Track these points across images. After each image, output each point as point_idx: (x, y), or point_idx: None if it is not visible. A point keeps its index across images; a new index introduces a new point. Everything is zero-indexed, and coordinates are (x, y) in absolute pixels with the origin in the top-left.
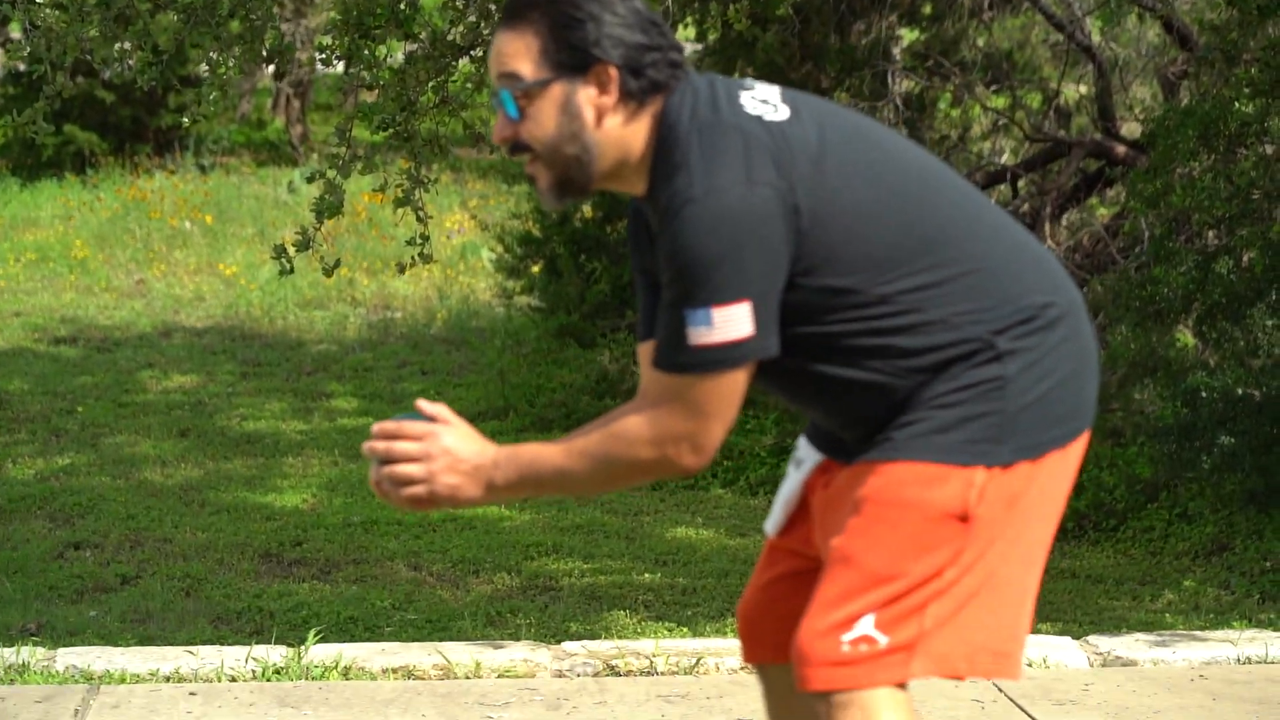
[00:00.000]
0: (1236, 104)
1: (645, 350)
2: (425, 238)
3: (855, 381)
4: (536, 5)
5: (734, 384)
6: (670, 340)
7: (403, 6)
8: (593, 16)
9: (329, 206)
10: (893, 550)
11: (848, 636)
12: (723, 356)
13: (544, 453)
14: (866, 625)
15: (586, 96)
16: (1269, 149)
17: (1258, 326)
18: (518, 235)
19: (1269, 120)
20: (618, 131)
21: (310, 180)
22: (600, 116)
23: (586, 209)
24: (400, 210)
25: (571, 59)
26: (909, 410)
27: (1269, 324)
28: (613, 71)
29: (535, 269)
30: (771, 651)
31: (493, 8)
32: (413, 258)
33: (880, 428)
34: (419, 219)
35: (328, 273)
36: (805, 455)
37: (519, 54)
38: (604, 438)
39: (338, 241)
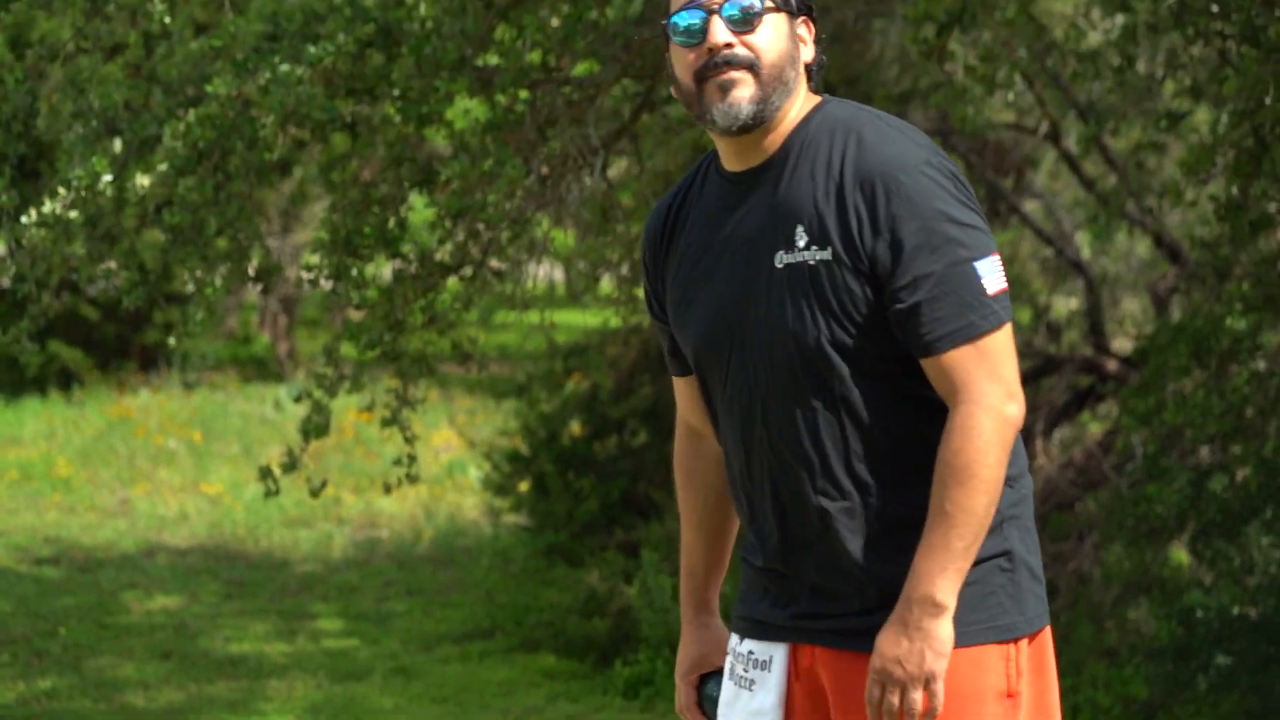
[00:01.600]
0: (1228, 320)
1: (687, 386)
2: (412, 458)
3: (892, 435)
4: None
5: (1011, 337)
6: (968, 301)
7: (391, 226)
8: None
9: (315, 427)
10: None
11: None
12: (1007, 302)
13: (934, 542)
14: None
15: (800, 38)
16: (1262, 365)
17: (1253, 544)
18: (505, 453)
19: (1261, 336)
20: (798, 85)
21: (297, 400)
22: (802, 63)
23: (574, 426)
24: (387, 429)
25: (796, 2)
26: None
27: (1264, 542)
28: (813, 29)
29: (523, 486)
30: None
31: (481, 228)
32: (399, 478)
33: (878, 574)
34: (406, 439)
35: (314, 494)
36: (765, 653)
37: None
38: (961, 459)
39: (324, 459)
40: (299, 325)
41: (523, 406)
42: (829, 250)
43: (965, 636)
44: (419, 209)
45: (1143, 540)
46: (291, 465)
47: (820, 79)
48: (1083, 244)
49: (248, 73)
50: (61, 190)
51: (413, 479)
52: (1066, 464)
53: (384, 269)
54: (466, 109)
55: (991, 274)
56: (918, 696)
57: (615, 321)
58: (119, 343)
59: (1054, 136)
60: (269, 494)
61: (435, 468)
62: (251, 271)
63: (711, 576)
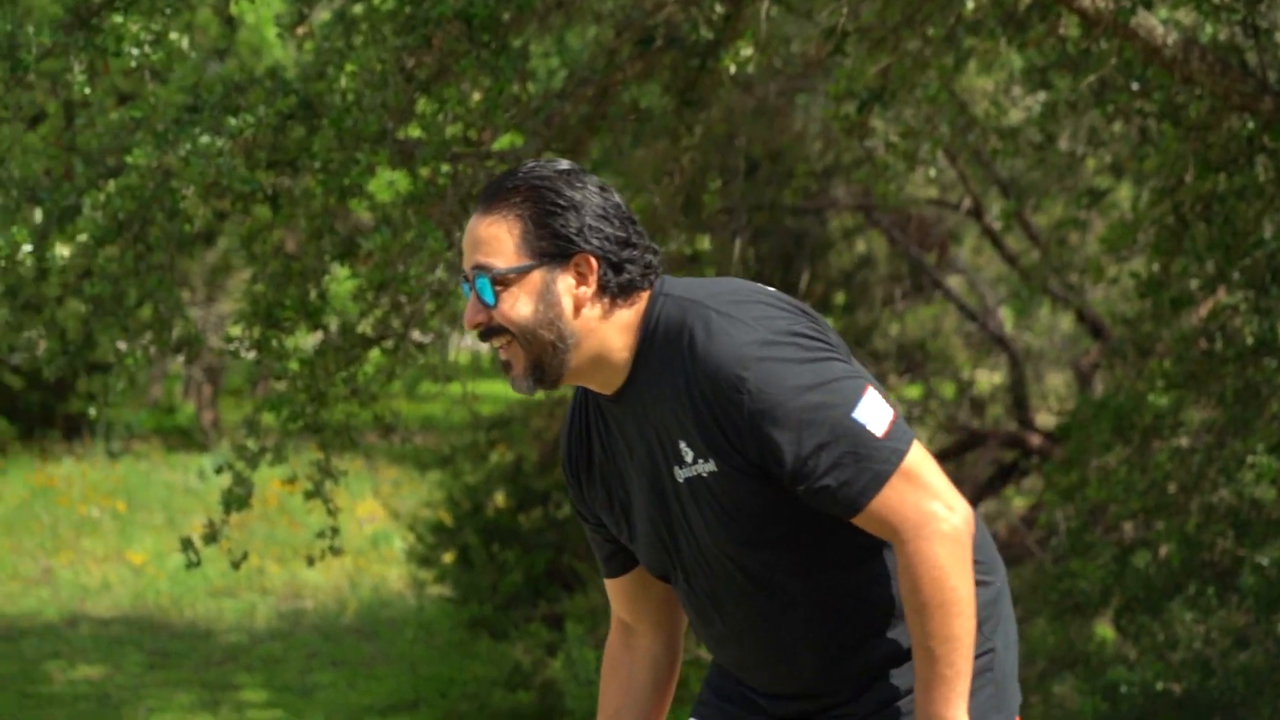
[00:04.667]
0: (1151, 397)
1: (618, 586)
2: (335, 530)
3: (852, 597)
4: (519, 191)
5: (923, 452)
6: (864, 455)
7: (313, 297)
8: (575, 205)
9: (237, 499)
10: None
11: None
12: (903, 430)
13: (929, 678)
14: None
15: (565, 286)
16: (1184, 441)
17: (1177, 620)
18: (429, 524)
19: (1183, 413)
20: (595, 324)
21: (218, 471)
22: (578, 307)
23: (499, 498)
24: (311, 500)
25: (553, 247)
26: (902, 676)
27: (1188, 618)
28: (593, 262)
29: (448, 558)
30: None
31: (403, 300)
32: (322, 550)
33: (849, 683)
34: (329, 511)
35: (235, 565)
36: None
37: (498, 239)
38: (924, 594)
39: (248, 530)
40: (224, 394)
41: (447, 478)
42: (713, 461)
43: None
44: (341, 280)
45: (1067, 615)
46: (213, 536)
47: (661, 267)
48: (1006, 319)
49: (168, 143)
50: None
51: (336, 551)
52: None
53: (306, 340)
54: (390, 180)
55: (873, 414)
56: None
57: (539, 394)
58: (43, 411)
59: (976, 212)
60: (190, 565)
61: (360, 539)
62: (173, 342)
63: None
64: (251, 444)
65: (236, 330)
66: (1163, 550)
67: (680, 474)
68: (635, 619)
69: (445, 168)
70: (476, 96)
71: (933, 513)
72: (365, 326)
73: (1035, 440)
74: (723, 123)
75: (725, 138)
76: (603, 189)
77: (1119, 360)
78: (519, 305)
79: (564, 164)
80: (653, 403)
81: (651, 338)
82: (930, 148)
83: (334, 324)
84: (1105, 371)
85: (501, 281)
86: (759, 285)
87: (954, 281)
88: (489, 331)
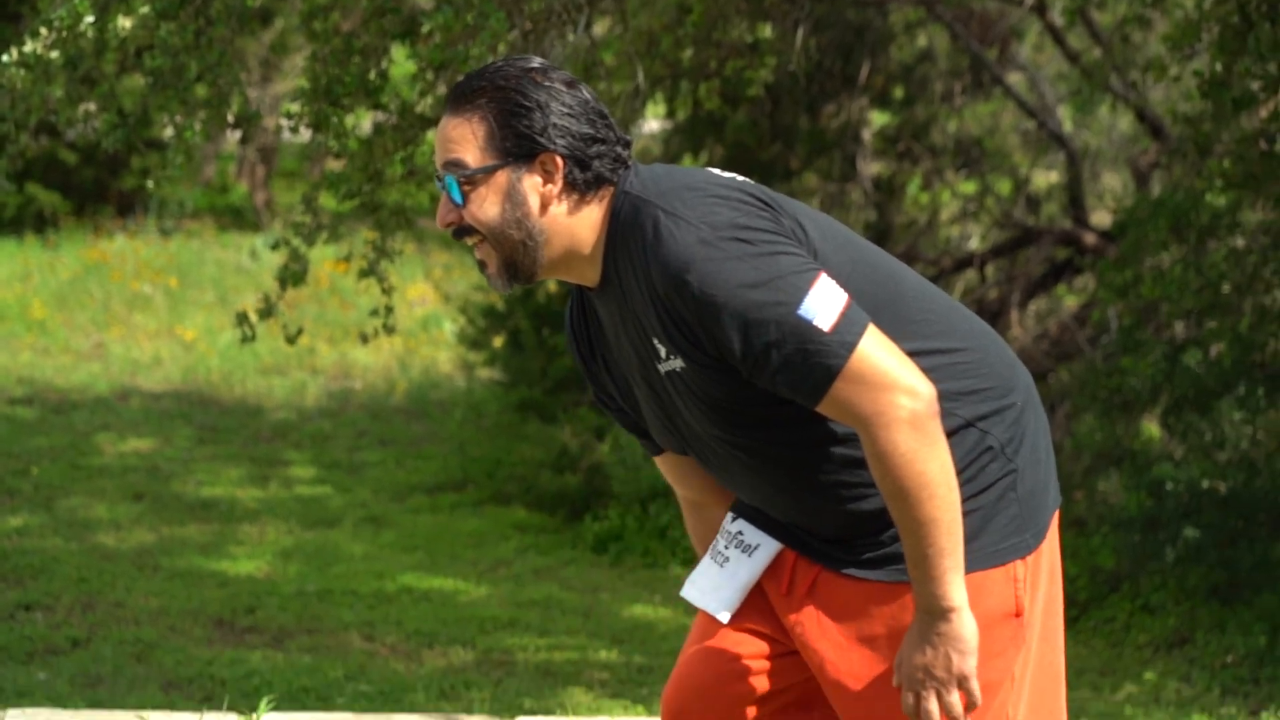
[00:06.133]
0: (1208, 196)
1: (663, 464)
2: (389, 309)
3: (841, 460)
4: (484, 91)
5: (879, 337)
6: (813, 350)
7: (372, 76)
8: (540, 105)
9: (293, 275)
10: None
11: None
12: (855, 318)
13: (915, 556)
14: None
15: (531, 184)
16: (1240, 242)
17: (1225, 419)
18: (481, 308)
19: (1240, 214)
20: (564, 220)
21: (274, 248)
22: (545, 205)
23: (550, 284)
24: (364, 280)
25: (518, 147)
26: None
27: (1236, 417)
28: (559, 160)
29: (498, 342)
30: None
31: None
32: (375, 328)
33: (867, 527)
34: (383, 290)
35: (290, 340)
36: (755, 539)
37: (465, 139)
38: (891, 482)
39: (300, 309)
40: (276, 176)
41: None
42: (680, 359)
43: (971, 563)
44: (400, 61)
45: (1115, 412)
46: (268, 311)
47: (630, 158)
48: (1065, 117)
49: None
50: (43, 30)
51: (389, 330)
52: (1041, 335)
53: (364, 120)
54: None
55: (820, 309)
56: (954, 699)
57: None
58: (96, 187)
59: (1039, 8)
60: (245, 340)
61: (410, 321)
62: (230, 118)
63: None
64: (308, 220)
65: (294, 107)
66: (1214, 350)
67: (661, 368)
68: (694, 492)
69: None
70: None
71: (890, 401)
72: (424, 107)
73: (1090, 238)
74: None
75: None
76: (570, 84)
77: (1177, 159)
78: (486, 205)
79: (534, 61)
80: (627, 298)
81: (615, 236)
82: None
83: (392, 104)
84: (1163, 171)
85: (469, 181)
86: (715, 174)
87: (1014, 78)
88: (460, 231)
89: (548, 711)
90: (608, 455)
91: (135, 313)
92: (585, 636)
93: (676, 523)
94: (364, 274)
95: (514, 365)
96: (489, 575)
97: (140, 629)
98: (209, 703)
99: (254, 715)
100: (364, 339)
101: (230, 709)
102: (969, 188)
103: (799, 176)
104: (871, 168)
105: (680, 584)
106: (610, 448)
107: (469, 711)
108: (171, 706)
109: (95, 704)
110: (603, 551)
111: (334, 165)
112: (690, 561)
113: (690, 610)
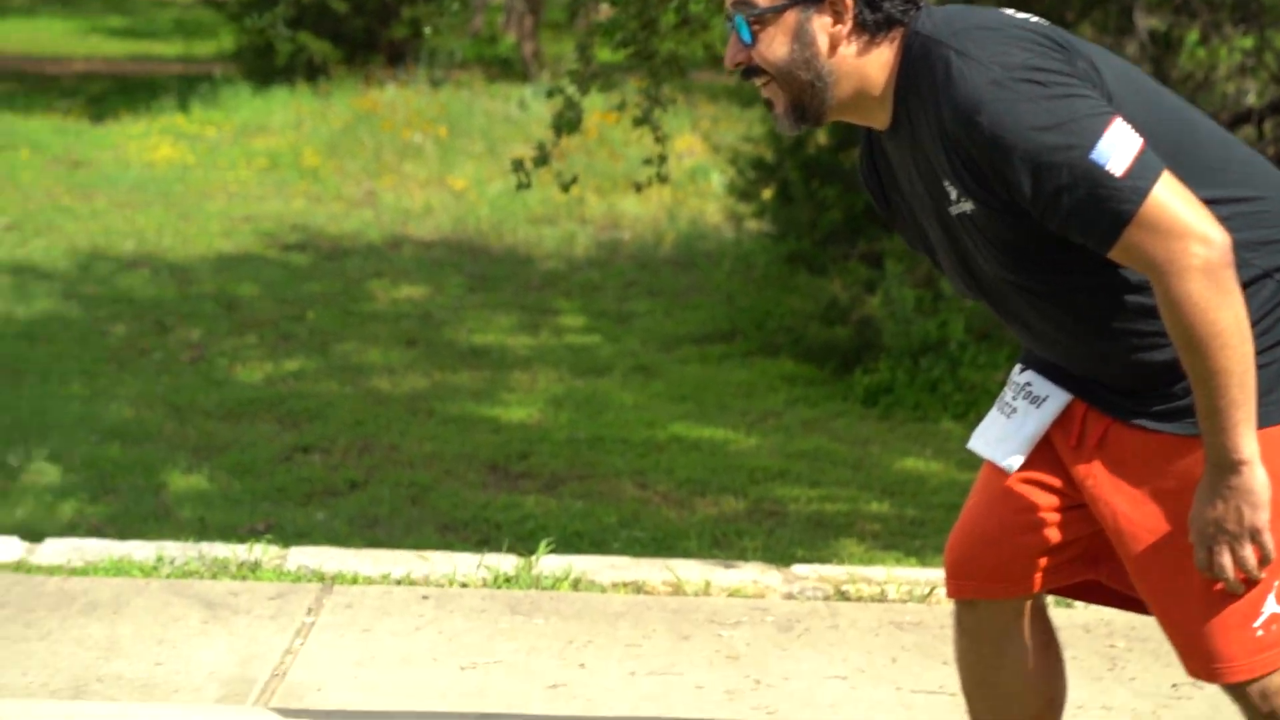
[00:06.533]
0: None
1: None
2: (663, 158)
3: (1134, 308)
4: None
5: (1173, 184)
6: (1104, 196)
7: None
8: None
9: (568, 123)
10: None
11: (1258, 622)
12: (1149, 163)
13: (1205, 408)
14: (1272, 605)
15: (821, 24)
16: None
17: None
18: (749, 159)
19: None
20: (853, 61)
21: (549, 95)
22: (834, 45)
23: (820, 135)
24: (636, 130)
25: None
26: None
27: None
28: (848, 1)
29: (766, 194)
30: (989, 585)
31: None
32: (649, 177)
33: (1159, 378)
34: (656, 139)
35: (565, 188)
36: (1044, 391)
37: None
38: (1183, 331)
39: (570, 160)
40: (544, 27)
41: (769, 113)
42: (970, 201)
43: (1264, 417)
44: None
45: None
46: (543, 159)
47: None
48: None
49: None
50: None
51: (663, 179)
52: None
53: None
54: None
55: (1114, 154)
56: (1247, 553)
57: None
58: (367, 35)
59: None
60: (520, 186)
61: (678, 172)
62: None
63: None
64: (582, 68)
65: None
66: None
67: (953, 210)
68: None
69: None
70: None
71: (1183, 249)
72: None
73: None
74: None
75: None
76: None
77: None
78: (775, 45)
79: None
80: (917, 141)
81: (905, 77)
82: None
83: None
84: None
85: (759, 21)
86: (1010, 14)
87: None
88: (748, 71)
89: (821, 561)
90: (878, 308)
91: (406, 162)
92: (856, 489)
93: (948, 377)
94: (638, 122)
95: (783, 217)
96: (758, 426)
97: (415, 472)
98: (486, 545)
99: (533, 557)
100: (637, 188)
101: (509, 551)
102: (1246, 43)
103: (1074, 28)
104: (1148, 21)
105: (951, 438)
106: (881, 301)
107: (743, 558)
108: (449, 548)
109: (374, 544)
110: (872, 404)
111: (600, 18)
112: (962, 417)
113: (966, 464)
